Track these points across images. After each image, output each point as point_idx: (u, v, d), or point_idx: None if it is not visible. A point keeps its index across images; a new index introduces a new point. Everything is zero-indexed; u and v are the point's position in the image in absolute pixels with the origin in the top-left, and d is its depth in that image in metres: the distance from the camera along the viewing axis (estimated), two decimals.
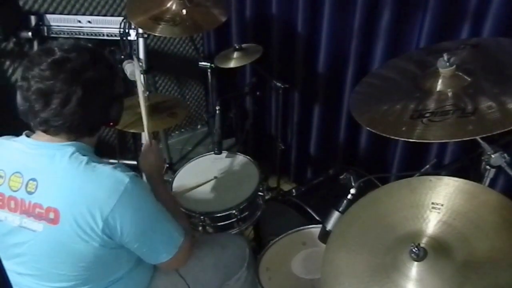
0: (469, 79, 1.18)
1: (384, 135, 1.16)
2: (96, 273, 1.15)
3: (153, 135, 2.20)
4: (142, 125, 1.87)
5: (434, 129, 1.09)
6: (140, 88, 1.52)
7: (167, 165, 2.46)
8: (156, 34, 1.90)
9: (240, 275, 1.48)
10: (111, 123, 1.21)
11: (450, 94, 1.17)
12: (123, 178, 1.09)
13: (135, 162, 2.46)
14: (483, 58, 1.28)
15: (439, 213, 0.98)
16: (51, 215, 1.07)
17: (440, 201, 1.00)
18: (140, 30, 2.12)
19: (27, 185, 1.10)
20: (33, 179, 1.09)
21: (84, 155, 1.11)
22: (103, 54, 1.17)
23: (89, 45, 1.15)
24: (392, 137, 1.15)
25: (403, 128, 1.13)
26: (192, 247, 1.30)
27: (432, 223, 0.98)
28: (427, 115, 1.13)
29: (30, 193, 1.09)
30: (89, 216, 1.06)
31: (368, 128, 1.22)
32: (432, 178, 1.05)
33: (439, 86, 1.20)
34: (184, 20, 1.85)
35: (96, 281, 1.17)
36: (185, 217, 1.45)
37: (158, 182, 1.42)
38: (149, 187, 1.24)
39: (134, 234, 1.12)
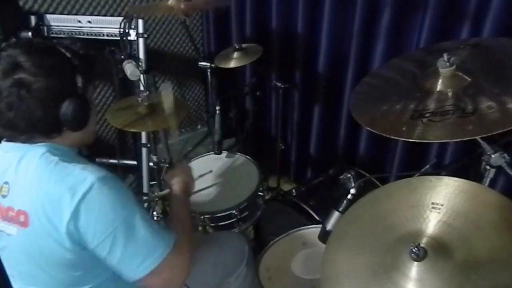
0: (469, 79, 1.18)
1: (384, 135, 1.16)
2: (78, 276, 1.10)
3: (153, 135, 2.21)
4: (142, 125, 1.89)
5: (434, 129, 1.09)
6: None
7: (167, 165, 2.45)
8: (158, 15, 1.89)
9: (239, 272, 1.48)
10: (74, 124, 1.10)
11: (450, 94, 1.17)
12: (90, 177, 1.02)
13: (135, 162, 2.46)
14: (483, 58, 1.28)
15: (439, 213, 0.98)
16: (22, 218, 1.05)
17: (440, 201, 1.00)
18: (140, 30, 2.12)
19: (1, 189, 1.09)
20: (6, 182, 1.08)
21: (55, 155, 1.07)
22: (56, 50, 1.09)
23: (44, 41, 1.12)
24: (392, 137, 1.15)
25: (403, 128, 1.13)
26: (188, 266, 1.17)
27: (432, 223, 0.98)
28: (427, 115, 1.13)
29: (4, 196, 1.08)
30: (55, 217, 1.02)
31: (368, 128, 1.22)
32: (432, 178, 1.05)
33: (439, 86, 1.20)
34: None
35: (81, 285, 1.12)
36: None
37: (182, 201, 1.39)
38: (125, 190, 1.09)
39: (101, 240, 1.03)
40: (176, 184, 1.41)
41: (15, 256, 1.12)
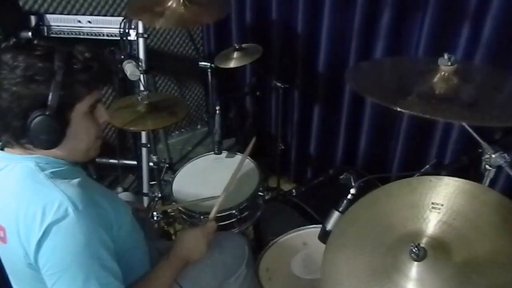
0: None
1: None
2: None
3: (153, 135, 2.21)
4: (142, 124, 1.89)
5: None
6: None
7: (167, 165, 2.46)
8: (157, 26, 1.87)
9: (239, 273, 1.48)
10: (36, 140, 1.02)
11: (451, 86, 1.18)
12: (67, 206, 0.97)
13: (135, 162, 2.47)
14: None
15: (439, 213, 0.98)
16: (1, 234, 1.04)
17: (440, 201, 1.00)
18: (140, 30, 2.12)
19: None
20: None
21: (43, 170, 1.02)
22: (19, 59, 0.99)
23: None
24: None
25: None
26: None
27: (432, 223, 0.98)
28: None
29: None
30: (26, 239, 0.99)
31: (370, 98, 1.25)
32: (432, 178, 1.05)
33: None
34: (184, 15, 1.85)
35: None
36: None
37: (180, 264, 1.28)
38: (91, 233, 0.99)
39: (48, 275, 0.99)
40: (192, 247, 1.32)
41: (6, 267, 1.12)
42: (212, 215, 1.49)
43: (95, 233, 1.00)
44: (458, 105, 1.14)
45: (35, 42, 1.05)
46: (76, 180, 1.04)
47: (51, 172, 1.03)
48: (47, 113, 0.99)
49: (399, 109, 1.11)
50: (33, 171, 1.03)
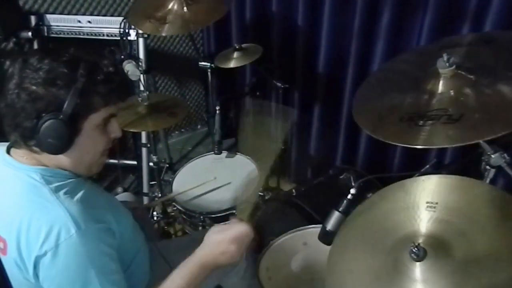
0: (471, 77, 1.15)
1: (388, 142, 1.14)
2: None
3: (153, 135, 2.21)
4: (142, 125, 1.89)
5: (438, 134, 1.08)
6: None
7: (167, 165, 2.46)
8: (164, 35, 1.86)
9: (239, 267, 1.47)
10: (43, 143, 1.00)
11: (452, 94, 1.15)
12: (69, 226, 0.97)
13: (135, 162, 2.47)
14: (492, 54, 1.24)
15: (434, 211, 0.98)
16: (1, 245, 1.03)
17: (434, 200, 1.00)
18: (140, 30, 2.12)
19: None
20: None
21: (48, 183, 1.02)
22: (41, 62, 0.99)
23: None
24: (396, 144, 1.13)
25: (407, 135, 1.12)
26: None
27: (429, 222, 0.98)
28: (429, 119, 1.11)
29: None
30: (26, 254, 0.99)
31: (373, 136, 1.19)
32: (424, 177, 1.05)
33: (441, 87, 1.17)
34: (186, 17, 1.85)
35: None
36: None
37: (201, 271, 1.16)
38: (93, 254, 1.00)
39: None
40: (216, 254, 1.17)
41: (10, 277, 1.11)
42: (242, 215, 1.32)
43: (97, 249, 1.01)
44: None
45: (65, 48, 1.04)
46: (79, 195, 1.04)
47: (56, 186, 1.03)
48: (60, 117, 0.98)
49: (421, 147, 1.07)
50: (38, 184, 1.02)
